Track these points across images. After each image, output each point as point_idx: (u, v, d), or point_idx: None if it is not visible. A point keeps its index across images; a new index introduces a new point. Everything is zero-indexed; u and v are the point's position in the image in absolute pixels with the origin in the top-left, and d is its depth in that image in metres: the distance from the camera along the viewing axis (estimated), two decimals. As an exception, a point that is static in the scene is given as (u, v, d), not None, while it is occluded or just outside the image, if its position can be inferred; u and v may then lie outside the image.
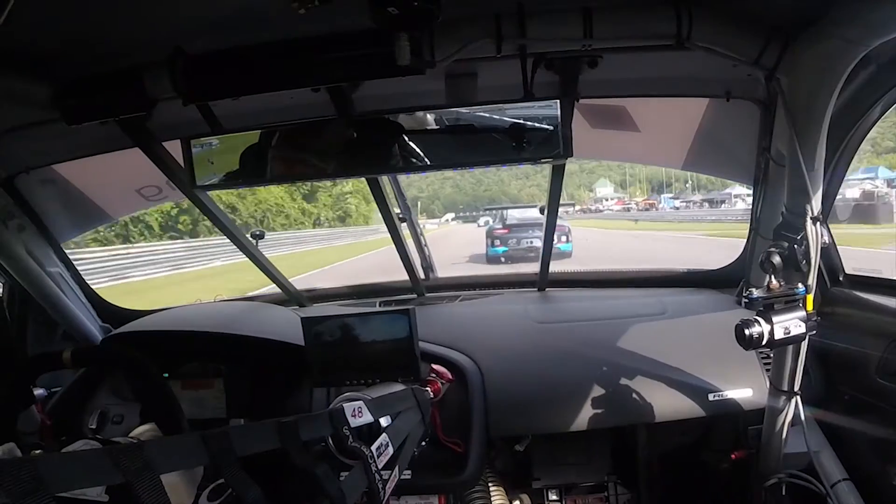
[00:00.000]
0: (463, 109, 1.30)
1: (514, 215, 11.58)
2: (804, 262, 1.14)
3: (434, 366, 1.54)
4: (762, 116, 1.40)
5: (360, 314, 1.50)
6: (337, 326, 1.48)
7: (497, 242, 11.54)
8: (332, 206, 25.60)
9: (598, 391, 1.54)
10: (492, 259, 11.34)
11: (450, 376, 1.54)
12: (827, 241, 1.51)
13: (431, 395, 1.43)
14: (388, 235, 1.86)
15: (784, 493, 1.51)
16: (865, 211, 10.20)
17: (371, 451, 1.08)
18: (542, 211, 1.83)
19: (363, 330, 1.47)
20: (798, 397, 1.36)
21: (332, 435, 1.17)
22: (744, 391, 1.53)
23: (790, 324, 1.16)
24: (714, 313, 1.74)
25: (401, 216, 1.95)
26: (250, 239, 1.94)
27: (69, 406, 1.67)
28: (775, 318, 1.15)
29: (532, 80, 1.24)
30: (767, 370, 1.50)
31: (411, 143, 1.31)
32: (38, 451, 1.07)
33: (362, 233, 23.06)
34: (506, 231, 11.53)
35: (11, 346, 1.87)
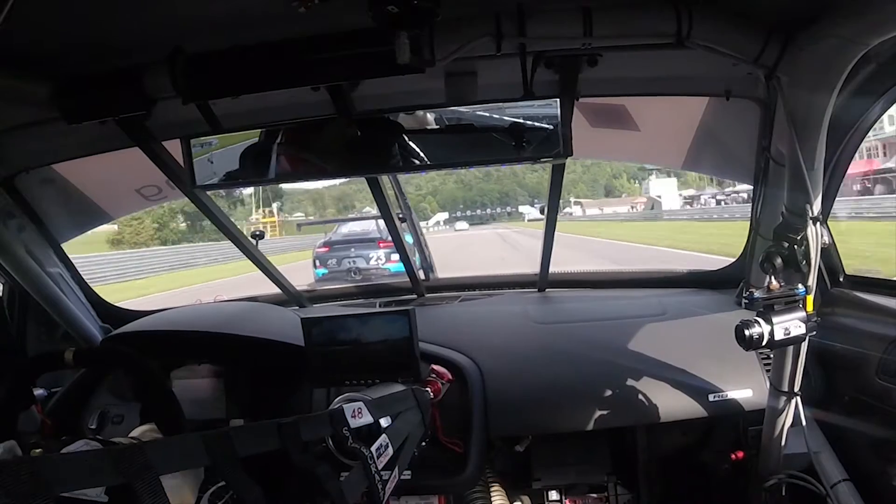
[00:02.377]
0: (463, 108, 1.30)
1: (342, 231, 9.59)
2: (804, 262, 1.14)
3: (434, 366, 1.54)
4: (762, 115, 1.40)
5: (360, 315, 1.50)
6: (337, 327, 1.48)
7: (318, 263, 9.48)
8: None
9: (598, 392, 1.54)
10: (320, 281, 9.01)
11: (450, 377, 1.54)
12: (827, 242, 1.51)
13: (431, 396, 1.43)
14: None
15: (784, 493, 1.50)
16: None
17: (371, 452, 1.07)
18: (542, 211, 1.82)
19: (363, 330, 1.46)
20: (798, 398, 1.36)
21: (332, 435, 1.17)
22: (744, 392, 1.53)
23: (790, 324, 1.15)
24: (714, 314, 1.74)
25: (401, 216, 1.95)
26: (250, 239, 1.94)
27: (69, 406, 1.67)
28: (775, 319, 1.15)
29: (532, 79, 1.23)
30: (767, 371, 1.50)
31: (411, 143, 1.31)
32: (38, 451, 1.07)
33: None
34: (326, 250, 9.50)
35: (12, 346, 1.87)
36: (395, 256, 9.09)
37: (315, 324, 1.49)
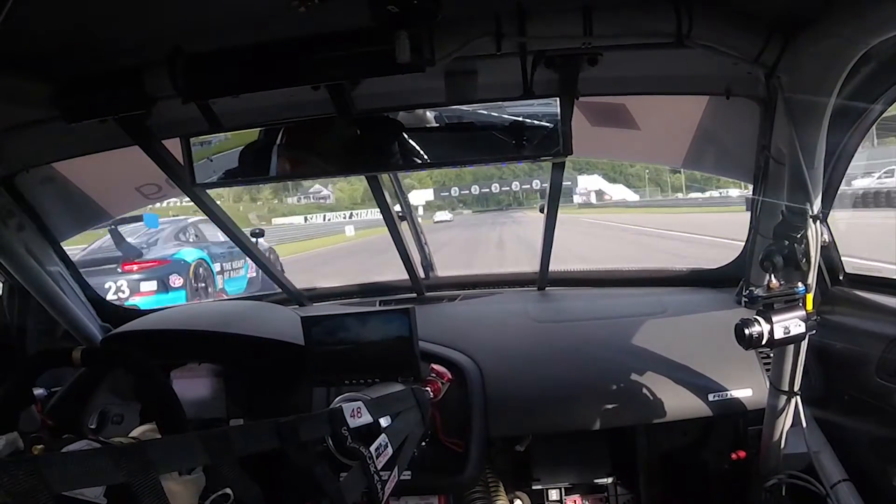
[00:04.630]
0: (463, 107, 1.30)
1: (92, 247, 6.82)
2: (804, 260, 1.14)
3: (434, 365, 1.54)
4: (762, 114, 1.40)
5: (360, 313, 1.49)
6: (337, 326, 1.48)
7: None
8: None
9: (598, 391, 1.54)
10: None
11: (450, 376, 1.53)
12: (827, 240, 1.51)
13: (431, 395, 1.43)
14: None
15: (784, 493, 1.50)
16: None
17: (370, 452, 1.07)
18: (541, 210, 1.82)
19: (363, 329, 1.46)
20: (798, 397, 1.36)
21: (331, 435, 1.17)
22: (744, 391, 1.53)
23: (790, 323, 1.15)
24: (714, 312, 1.74)
25: (401, 214, 1.95)
26: (250, 238, 1.94)
27: (69, 406, 1.67)
28: (775, 318, 1.15)
29: (532, 78, 1.23)
30: (767, 370, 1.50)
31: (411, 141, 1.31)
32: (40, 446, 1.07)
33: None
34: None
35: (12, 346, 1.87)
36: (148, 286, 6.21)
37: (315, 322, 1.49)
